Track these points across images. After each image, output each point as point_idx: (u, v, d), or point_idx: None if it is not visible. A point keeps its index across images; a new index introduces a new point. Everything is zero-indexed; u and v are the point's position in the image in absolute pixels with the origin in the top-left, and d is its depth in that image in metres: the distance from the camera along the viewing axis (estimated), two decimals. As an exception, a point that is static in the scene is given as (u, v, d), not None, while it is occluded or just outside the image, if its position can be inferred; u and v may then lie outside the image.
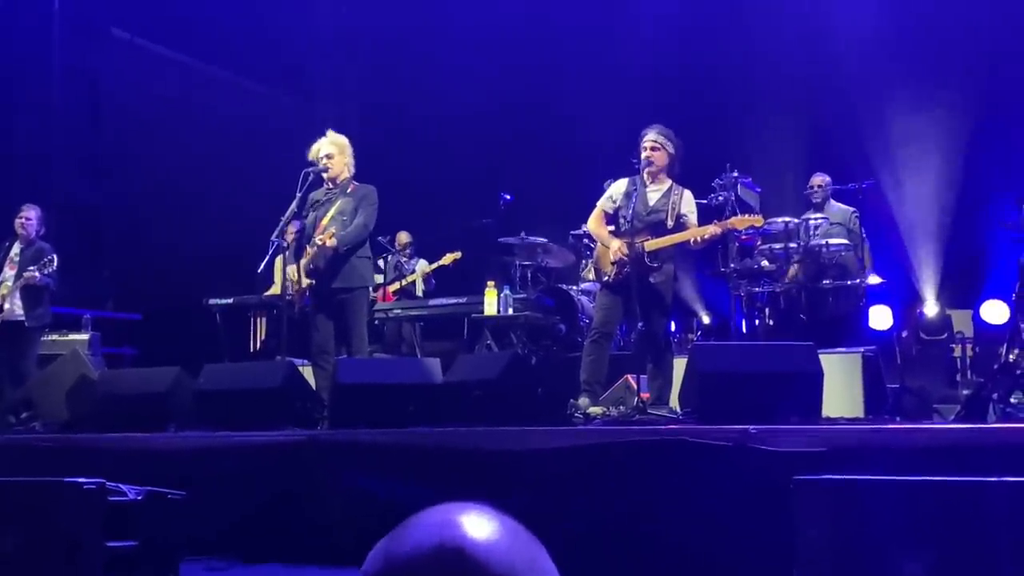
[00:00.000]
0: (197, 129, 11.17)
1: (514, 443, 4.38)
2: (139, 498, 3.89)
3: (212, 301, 8.83)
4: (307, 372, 6.92)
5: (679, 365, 6.13)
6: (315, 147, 7.07)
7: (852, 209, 8.45)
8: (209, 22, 11.49)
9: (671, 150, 6.72)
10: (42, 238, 8.39)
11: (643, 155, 6.69)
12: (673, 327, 9.73)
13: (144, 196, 10.85)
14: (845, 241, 8.09)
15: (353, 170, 7.11)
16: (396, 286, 9.84)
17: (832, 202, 8.59)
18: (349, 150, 7.10)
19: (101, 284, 10.74)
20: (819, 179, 8.67)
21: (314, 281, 6.89)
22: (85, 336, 8.63)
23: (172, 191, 10.87)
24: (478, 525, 1.19)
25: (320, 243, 6.78)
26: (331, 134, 7.11)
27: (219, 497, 4.63)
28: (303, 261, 6.96)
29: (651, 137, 6.71)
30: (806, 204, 8.70)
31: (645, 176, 6.71)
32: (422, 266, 10.15)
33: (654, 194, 6.74)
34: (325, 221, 6.90)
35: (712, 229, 6.63)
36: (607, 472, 4.09)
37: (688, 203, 6.77)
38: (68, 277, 8.64)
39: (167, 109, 11.16)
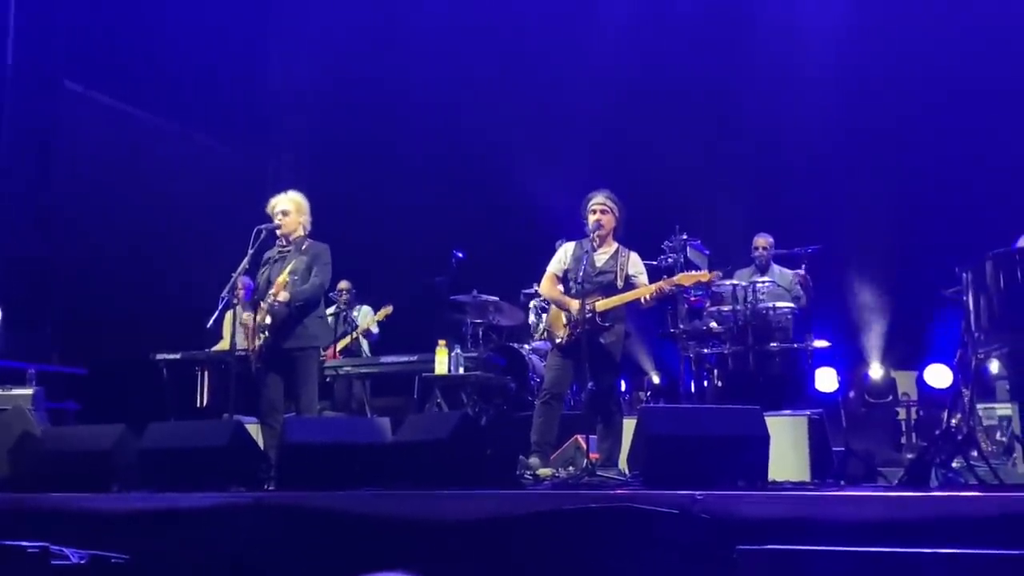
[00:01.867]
0: (148, 182, 11.11)
1: (461, 507, 4.37)
2: (82, 562, 3.84)
3: (159, 356, 8.75)
4: (255, 430, 6.86)
5: (629, 425, 6.16)
6: (273, 202, 7.10)
7: (793, 272, 8.62)
8: (163, 75, 11.50)
9: (617, 213, 6.85)
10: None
11: (592, 218, 6.81)
12: (624, 386, 9.80)
13: (92, 249, 10.74)
14: (791, 305, 8.22)
15: (309, 228, 7.13)
16: (345, 341, 9.80)
17: (774, 265, 8.76)
18: (306, 209, 7.12)
19: (47, 337, 10.59)
20: (763, 240, 8.84)
21: (268, 335, 6.85)
22: (29, 391, 8.45)
23: (121, 244, 10.78)
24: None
25: (271, 299, 6.76)
26: (291, 192, 7.14)
27: (162, 560, 4.57)
28: (257, 318, 6.93)
29: (599, 200, 6.83)
30: (746, 264, 8.85)
31: (594, 239, 6.80)
32: (364, 315, 10.13)
33: (602, 256, 6.83)
34: (279, 279, 6.89)
35: (659, 286, 6.72)
36: (553, 537, 4.09)
37: (635, 264, 6.88)
38: (13, 329, 8.53)
39: (118, 161, 11.08)
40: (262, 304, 6.91)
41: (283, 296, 6.73)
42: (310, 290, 6.87)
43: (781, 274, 8.68)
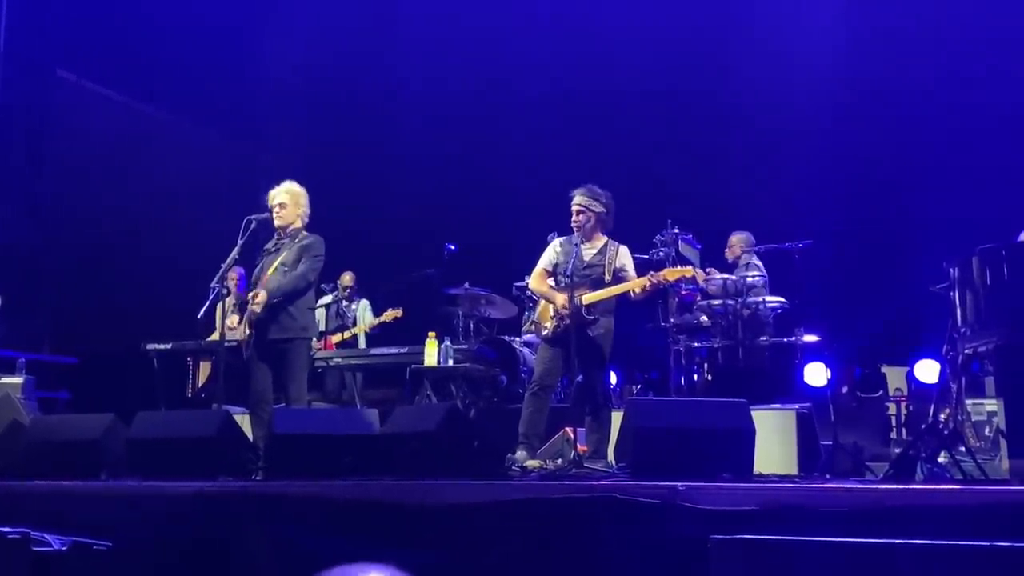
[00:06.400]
0: (139, 172, 11.09)
1: (446, 496, 4.38)
2: (64, 548, 3.84)
3: (150, 346, 8.75)
4: (244, 421, 6.87)
5: (618, 418, 6.17)
6: (272, 194, 7.09)
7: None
8: (156, 65, 11.48)
9: (598, 209, 6.84)
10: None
11: (572, 217, 6.83)
12: (614, 380, 9.80)
13: (83, 238, 10.73)
14: (782, 299, 8.24)
15: (307, 220, 7.11)
16: (339, 337, 9.78)
17: (753, 261, 8.78)
18: (304, 201, 7.09)
19: (37, 326, 10.58)
20: (736, 238, 8.90)
21: (254, 331, 6.84)
22: (19, 379, 8.46)
23: (112, 233, 10.78)
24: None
25: (249, 304, 6.74)
26: (288, 183, 7.11)
27: (146, 548, 4.56)
28: (247, 312, 6.93)
29: (576, 201, 6.86)
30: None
31: (579, 235, 6.82)
32: (363, 309, 10.10)
33: (589, 251, 6.84)
34: (269, 271, 6.88)
35: (644, 281, 6.72)
36: (537, 527, 4.10)
37: (623, 257, 6.89)
38: (5, 318, 8.53)
39: (110, 151, 11.05)
40: (249, 296, 6.92)
41: (261, 298, 6.70)
42: (292, 281, 6.81)
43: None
